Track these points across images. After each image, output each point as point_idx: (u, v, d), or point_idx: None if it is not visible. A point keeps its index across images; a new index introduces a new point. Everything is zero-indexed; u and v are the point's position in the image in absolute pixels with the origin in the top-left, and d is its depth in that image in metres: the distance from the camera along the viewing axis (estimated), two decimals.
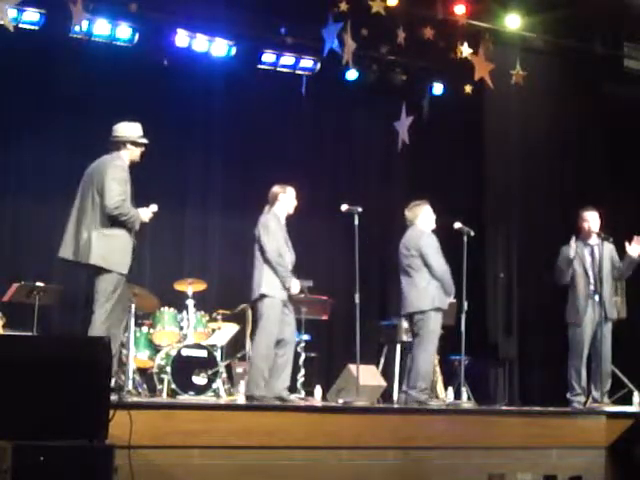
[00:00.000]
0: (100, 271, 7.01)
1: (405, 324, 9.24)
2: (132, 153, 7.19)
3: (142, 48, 10.18)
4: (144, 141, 7.24)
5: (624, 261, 9.09)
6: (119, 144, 7.16)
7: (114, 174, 6.99)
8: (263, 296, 7.88)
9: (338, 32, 9.52)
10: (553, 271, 9.12)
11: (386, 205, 11.60)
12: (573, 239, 8.96)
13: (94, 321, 7.03)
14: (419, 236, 8.45)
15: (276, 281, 7.88)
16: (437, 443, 7.35)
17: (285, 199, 8.10)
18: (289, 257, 8.03)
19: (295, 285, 8.00)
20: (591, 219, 9.04)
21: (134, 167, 7.30)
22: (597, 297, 8.94)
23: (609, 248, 9.05)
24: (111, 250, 7.00)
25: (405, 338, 9.58)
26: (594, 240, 9.07)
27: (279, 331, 7.89)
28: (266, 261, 7.89)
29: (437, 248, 8.41)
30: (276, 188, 8.13)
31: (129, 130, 7.19)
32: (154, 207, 7.24)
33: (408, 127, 10.50)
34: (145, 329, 9.53)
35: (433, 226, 8.60)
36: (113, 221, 6.99)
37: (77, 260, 7.07)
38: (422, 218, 8.55)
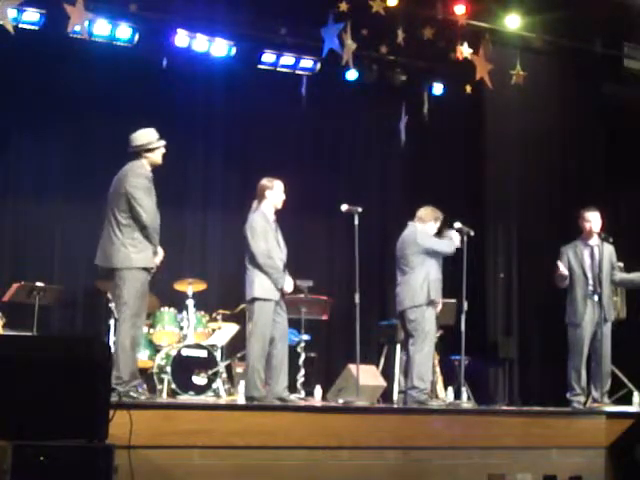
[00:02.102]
0: (135, 270, 7.09)
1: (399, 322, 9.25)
2: (152, 159, 7.35)
3: (142, 48, 10.17)
4: (159, 144, 7.37)
5: (635, 275, 9.13)
6: (137, 153, 7.31)
7: (139, 184, 7.17)
8: (255, 299, 7.84)
9: (338, 32, 9.53)
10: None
11: (386, 205, 11.61)
12: (561, 265, 8.95)
13: (126, 323, 7.06)
14: (414, 233, 8.45)
15: (268, 283, 7.81)
16: (437, 443, 7.35)
17: (272, 195, 8.00)
18: (279, 254, 7.94)
19: (288, 284, 7.97)
20: (593, 219, 9.03)
21: (156, 169, 7.40)
22: (596, 297, 8.94)
23: (609, 249, 9.03)
24: (143, 249, 7.14)
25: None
26: (594, 240, 9.05)
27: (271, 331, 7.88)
28: (256, 265, 7.87)
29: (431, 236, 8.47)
30: (263, 182, 8.04)
31: (143, 138, 7.33)
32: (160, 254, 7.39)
33: (405, 126, 10.53)
34: (145, 329, 9.52)
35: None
36: (140, 230, 7.15)
37: (113, 267, 7.12)
38: (427, 225, 8.54)
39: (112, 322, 8.96)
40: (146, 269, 7.16)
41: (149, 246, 7.16)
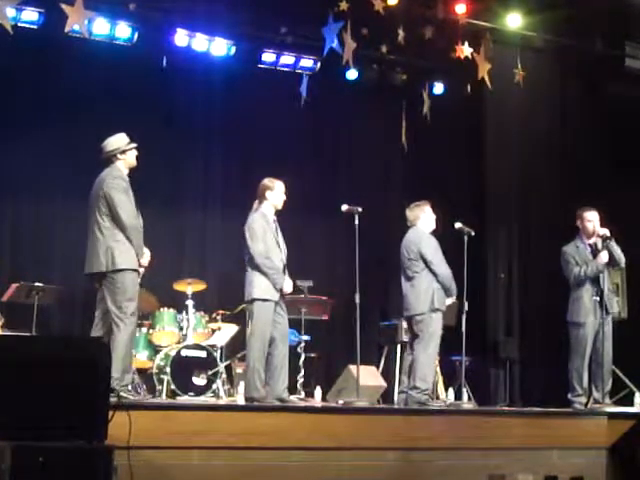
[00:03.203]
0: (122, 272, 7.10)
1: (405, 325, 9.22)
2: (126, 161, 7.43)
3: (141, 47, 10.16)
4: (132, 146, 7.44)
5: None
6: (111, 158, 7.40)
7: (115, 185, 7.24)
8: (254, 300, 7.83)
9: (338, 31, 9.50)
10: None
11: (386, 205, 11.58)
12: (593, 259, 8.90)
13: (121, 324, 7.06)
14: (419, 238, 8.45)
15: (267, 283, 7.80)
16: (438, 444, 7.33)
17: (273, 196, 8.01)
18: (278, 254, 7.93)
19: (287, 284, 7.95)
20: (594, 219, 9.02)
21: (133, 171, 7.44)
22: (598, 297, 8.91)
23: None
24: (126, 250, 7.16)
25: (405, 338, 9.56)
26: (593, 240, 9.03)
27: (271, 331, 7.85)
28: (255, 265, 7.85)
29: (437, 250, 8.42)
30: (265, 182, 8.05)
31: (115, 142, 7.42)
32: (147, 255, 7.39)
33: (405, 126, 10.51)
34: (144, 329, 9.52)
35: (433, 227, 8.61)
36: (122, 231, 7.18)
37: (102, 270, 7.15)
38: (423, 219, 8.56)
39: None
40: (134, 270, 7.17)
41: (132, 247, 7.17)
